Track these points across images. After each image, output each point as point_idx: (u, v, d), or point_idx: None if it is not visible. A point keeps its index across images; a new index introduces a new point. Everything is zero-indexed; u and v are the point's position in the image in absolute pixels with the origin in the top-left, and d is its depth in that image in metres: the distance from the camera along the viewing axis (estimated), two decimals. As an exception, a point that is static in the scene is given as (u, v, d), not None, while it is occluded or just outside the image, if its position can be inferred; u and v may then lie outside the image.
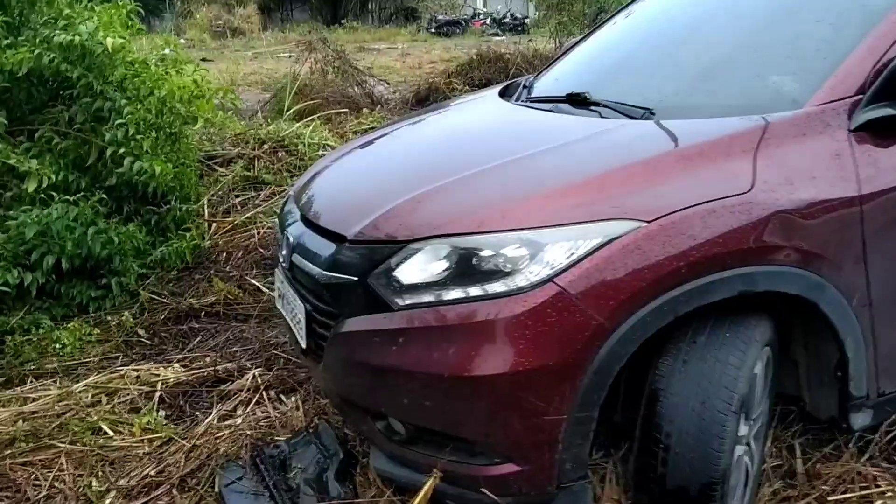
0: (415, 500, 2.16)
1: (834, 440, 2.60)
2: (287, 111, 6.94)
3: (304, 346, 2.50)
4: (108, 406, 3.06)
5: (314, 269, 2.37)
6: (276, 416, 2.99)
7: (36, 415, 3.01)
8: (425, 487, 2.14)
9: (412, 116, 3.42)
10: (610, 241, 1.99)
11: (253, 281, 4.36)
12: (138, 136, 4.20)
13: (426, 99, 10.09)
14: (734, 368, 2.06)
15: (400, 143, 3.10)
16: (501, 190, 2.24)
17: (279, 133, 5.91)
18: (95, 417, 2.95)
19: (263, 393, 3.17)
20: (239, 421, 3.00)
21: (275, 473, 2.58)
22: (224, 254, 4.67)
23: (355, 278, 2.23)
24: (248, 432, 2.90)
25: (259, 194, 5.34)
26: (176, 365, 3.50)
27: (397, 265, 2.17)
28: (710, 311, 2.09)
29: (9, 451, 2.78)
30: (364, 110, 7.59)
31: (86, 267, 4.09)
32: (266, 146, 5.81)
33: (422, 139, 3.06)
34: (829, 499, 2.36)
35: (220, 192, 5.30)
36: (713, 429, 2.03)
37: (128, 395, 3.18)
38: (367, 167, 2.85)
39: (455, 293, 2.08)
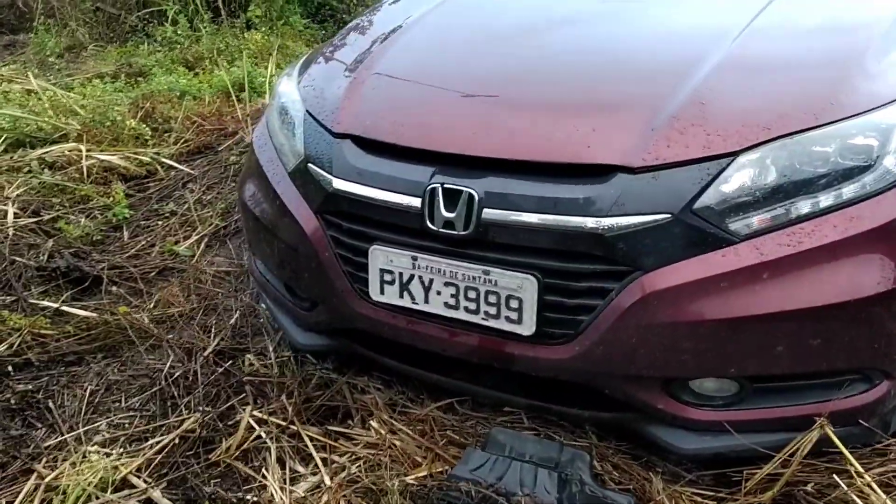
0: (794, 460, 1.79)
1: None
2: None
3: (529, 332, 1.82)
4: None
5: (575, 221, 1.73)
6: (369, 455, 2.12)
7: None
8: (801, 442, 1.79)
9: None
10: None
11: (47, 303, 2.92)
12: None
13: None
14: None
15: (510, 40, 2.33)
16: (784, 80, 1.90)
17: None
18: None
19: (302, 432, 2.21)
20: (327, 479, 2.06)
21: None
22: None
23: (667, 216, 1.69)
24: (355, 487, 2.02)
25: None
26: (94, 449, 2.21)
27: (723, 184, 1.71)
28: None
29: None
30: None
31: None
32: None
33: (533, 33, 2.35)
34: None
35: None
36: None
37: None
38: (523, 74, 2.10)
39: (803, 205, 1.73)
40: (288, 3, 7.88)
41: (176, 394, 2.48)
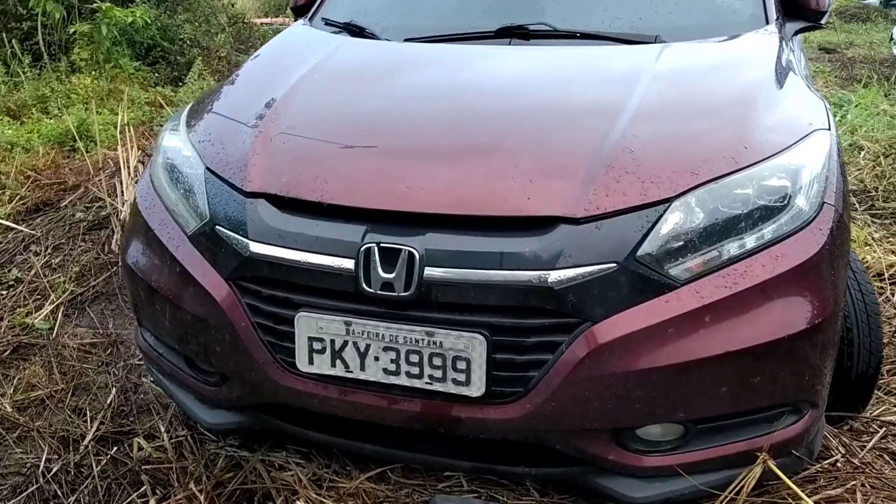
0: (740, 498, 1.83)
1: None
2: None
3: (478, 393, 1.76)
4: None
5: (523, 276, 1.70)
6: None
7: None
8: (746, 478, 1.83)
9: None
10: (827, 151, 1.99)
11: None
12: None
13: None
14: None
15: (394, 101, 2.22)
16: (697, 127, 1.97)
17: None
18: None
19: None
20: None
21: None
22: None
23: (613, 265, 1.70)
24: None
25: None
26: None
27: (662, 231, 1.75)
28: None
29: None
30: None
31: None
32: None
33: (420, 96, 2.25)
34: None
35: None
36: (875, 313, 2.25)
37: None
38: (424, 135, 2.02)
39: (732, 247, 1.79)
40: (115, 46, 7.43)
41: (59, 492, 2.20)
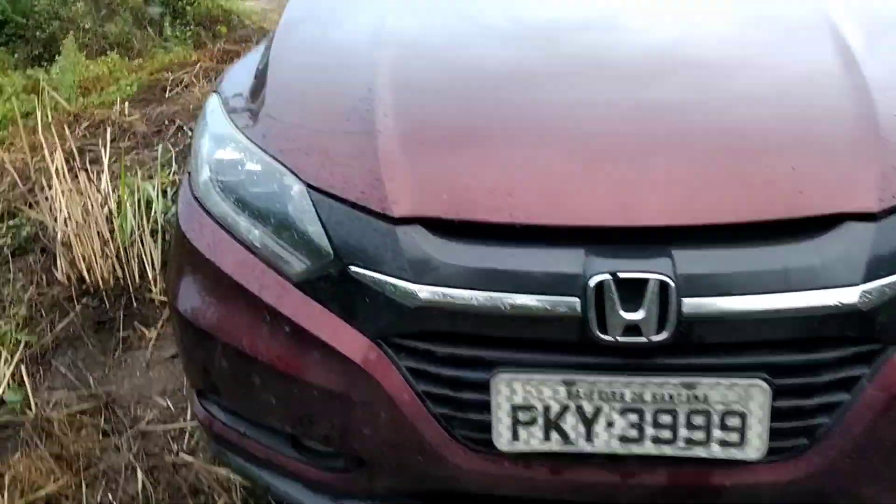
0: None
1: None
2: None
3: (756, 454, 1.35)
4: None
5: (821, 297, 1.29)
6: None
7: None
8: None
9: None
10: None
11: None
12: None
13: None
14: None
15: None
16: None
17: None
18: None
19: None
20: None
21: None
22: None
23: (924, 266, 1.32)
24: None
25: None
26: None
27: None
28: None
29: None
30: None
31: None
32: None
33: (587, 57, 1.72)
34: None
35: None
36: None
37: None
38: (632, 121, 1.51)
39: None
40: (-39, 26, 6.37)
41: None
